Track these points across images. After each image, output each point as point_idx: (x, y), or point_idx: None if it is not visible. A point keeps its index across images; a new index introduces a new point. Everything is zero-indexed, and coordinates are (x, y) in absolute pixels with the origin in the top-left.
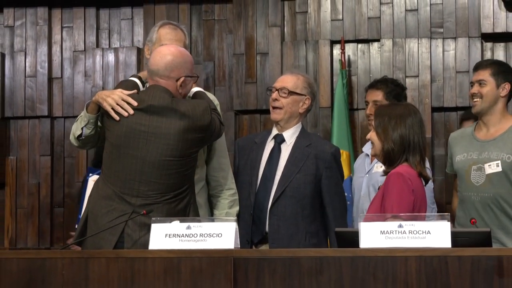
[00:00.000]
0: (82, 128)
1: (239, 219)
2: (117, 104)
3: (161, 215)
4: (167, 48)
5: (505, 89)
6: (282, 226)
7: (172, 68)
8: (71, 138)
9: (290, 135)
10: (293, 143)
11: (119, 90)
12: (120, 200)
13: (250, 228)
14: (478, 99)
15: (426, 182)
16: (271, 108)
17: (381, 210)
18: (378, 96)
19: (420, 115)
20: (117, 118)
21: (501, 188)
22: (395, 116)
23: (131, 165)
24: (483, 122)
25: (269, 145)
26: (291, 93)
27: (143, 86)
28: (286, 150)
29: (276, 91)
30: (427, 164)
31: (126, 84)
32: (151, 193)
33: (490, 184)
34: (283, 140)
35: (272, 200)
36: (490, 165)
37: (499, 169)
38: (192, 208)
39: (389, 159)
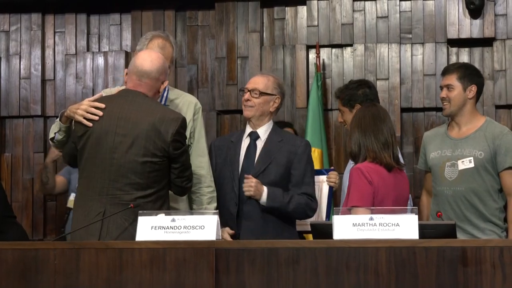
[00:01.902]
0: (55, 133)
1: (226, 211)
2: (87, 112)
3: (132, 215)
4: (154, 53)
5: (471, 91)
6: (255, 213)
7: (162, 72)
8: (49, 139)
9: (264, 132)
10: (266, 138)
11: (86, 100)
12: (94, 202)
13: (235, 220)
14: (447, 103)
15: (389, 169)
16: (243, 106)
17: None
18: (339, 104)
19: (375, 110)
20: (90, 124)
21: (472, 182)
22: (353, 122)
23: (102, 167)
24: (455, 122)
25: (245, 142)
26: (262, 93)
27: None
28: (261, 146)
29: (248, 92)
30: (399, 154)
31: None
32: (119, 193)
33: (462, 178)
34: (258, 137)
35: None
36: (463, 161)
37: (472, 165)
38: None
39: (353, 158)
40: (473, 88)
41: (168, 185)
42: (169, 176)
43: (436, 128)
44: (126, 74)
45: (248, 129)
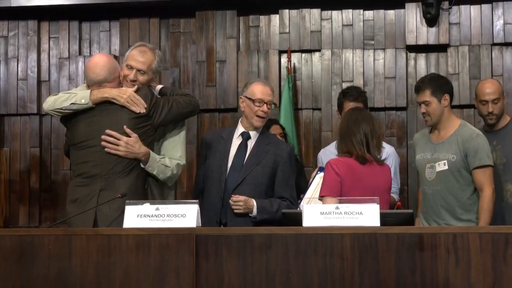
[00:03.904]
0: (71, 103)
1: (211, 203)
2: (132, 101)
3: (120, 187)
4: (99, 58)
5: (446, 100)
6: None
7: (112, 71)
8: (50, 105)
9: (255, 134)
10: (256, 140)
11: (128, 89)
12: (88, 185)
13: (220, 210)
14: (428, 117)
15: (362, 162)
16: (256, 117)
17: None
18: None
19: (351, 115)
20: (137, 111)
21: (447, 182)
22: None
23: (93, 153)
24: (436, 128)
25: (237, 140)
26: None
27: None
28: (251, 146)
29: (265, 104)
30: (384, 144)
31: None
32: (111, 172)
33: (439, 179)
34: (249, 137)
35: (234, 186)
36: (439, 164)
37: (446, 167)
38: (153, 184)
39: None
40: (446, 97)
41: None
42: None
43: (423, 130)
44: (87, 84)
45: (241, 129)
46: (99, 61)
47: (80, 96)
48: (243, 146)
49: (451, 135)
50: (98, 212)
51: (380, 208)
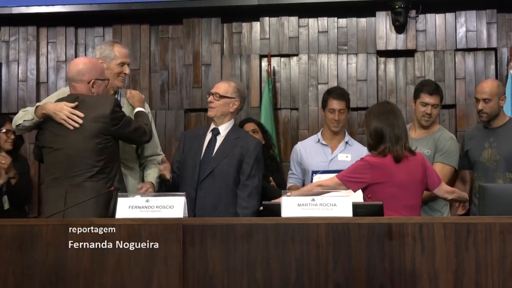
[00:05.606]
0: (24, 121)
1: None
2: (68, 117)
3: (87, 189)
4: (79, 59)
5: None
6: (208, 198)
7: (84, 73)
8: (13, 123)
9: (224, 129)
10: (225, 135)
11: (64, 103)
12: (57, 185)
13: (194, 201)
14: (430, 118)
15: (398, 161)
16: (208, 107)
17: None
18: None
19: (391, 107)
20: (72, 128)
21: None
22: (370, 116)
23: (60, 156)
24: (422, 126)
25: (208, 136)
26: (221, 97)
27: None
28: (220, 141)
29: (211, 95)
30: (359, 146)
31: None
32: (77, 173)
33: None
34: (218, 133)
35: (201, 178)
36: None
37: None
38: (120, 187)
39: (370, 149)
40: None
41: (115, 168)
42: (117, 160)
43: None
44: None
45: (212, 126)
46: (77, 61)
47: (30, 113)
48: (212, 141)
49: (430, 134)
50: (66, 213)
51: (414, 199)
